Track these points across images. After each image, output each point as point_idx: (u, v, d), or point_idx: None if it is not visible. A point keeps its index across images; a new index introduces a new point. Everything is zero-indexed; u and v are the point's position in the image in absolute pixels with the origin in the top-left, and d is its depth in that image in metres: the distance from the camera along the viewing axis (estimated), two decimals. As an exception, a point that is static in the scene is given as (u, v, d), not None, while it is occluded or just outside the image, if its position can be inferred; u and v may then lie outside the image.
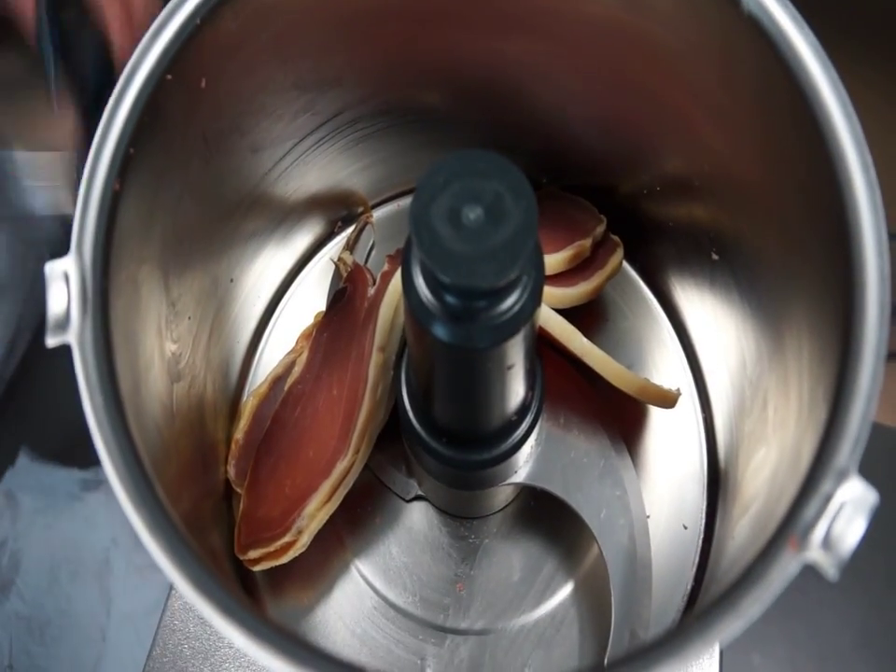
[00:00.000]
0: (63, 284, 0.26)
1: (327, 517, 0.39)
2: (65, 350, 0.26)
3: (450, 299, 0.25)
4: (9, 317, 0.59)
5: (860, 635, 0.58)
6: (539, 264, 0.28)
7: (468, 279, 0.23)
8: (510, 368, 0.29)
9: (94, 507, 0.70)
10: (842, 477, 0.23)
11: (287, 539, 0.38)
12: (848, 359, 0.24)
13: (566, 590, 0.42)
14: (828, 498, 0.22)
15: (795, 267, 0.31)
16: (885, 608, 0.58)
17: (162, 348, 0.32)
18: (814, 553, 0.22)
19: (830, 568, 0.21)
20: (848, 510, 0.22)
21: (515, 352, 0.28)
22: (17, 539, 0.70)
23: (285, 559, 0.38)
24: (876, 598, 0.58)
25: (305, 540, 0.38)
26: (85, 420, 0.25)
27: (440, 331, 0.26)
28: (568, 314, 0.40)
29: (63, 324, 0.25)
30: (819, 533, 0.22)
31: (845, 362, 0.24)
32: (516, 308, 0.26)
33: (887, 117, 0.60)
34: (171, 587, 0.44)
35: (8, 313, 0.58)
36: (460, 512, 0.43)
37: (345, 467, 0.38)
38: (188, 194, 0.33)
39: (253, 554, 0.39)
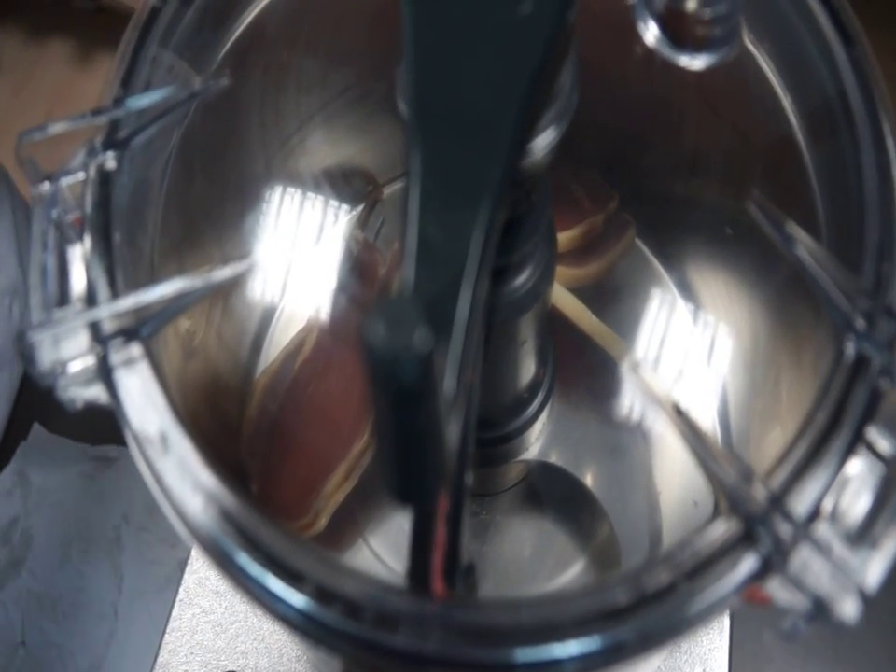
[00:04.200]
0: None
1: (343, 497, 0.38)
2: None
3: None
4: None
5: (873, 614, 0.57)
6: (552, 242, 0.28)
7: None
8: (522, 343, 0.29)
9: (105, 484, 0.70)
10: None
11: (304, 521, 0.38)
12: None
13: (577, 566, 0.42)
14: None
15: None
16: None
17: (177, 325, 0.32)
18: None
19: (834, 538, 0.22)
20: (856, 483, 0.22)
21: (528, 328, 0.28)
22: (28, 516, 0.70)
23: (301, 542, 0.38)
24: (892, 578, 0.57)
25: (322, 522, 0.38)
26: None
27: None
28: (579, 292, 0.40)
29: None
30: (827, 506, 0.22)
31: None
32: (529, 285, 0.26)
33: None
34: (186, 563, 0.44)
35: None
36: (472, 489, 0.44)
37: (363, 447, 0.38)
38: (200, 175, 0.33)
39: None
